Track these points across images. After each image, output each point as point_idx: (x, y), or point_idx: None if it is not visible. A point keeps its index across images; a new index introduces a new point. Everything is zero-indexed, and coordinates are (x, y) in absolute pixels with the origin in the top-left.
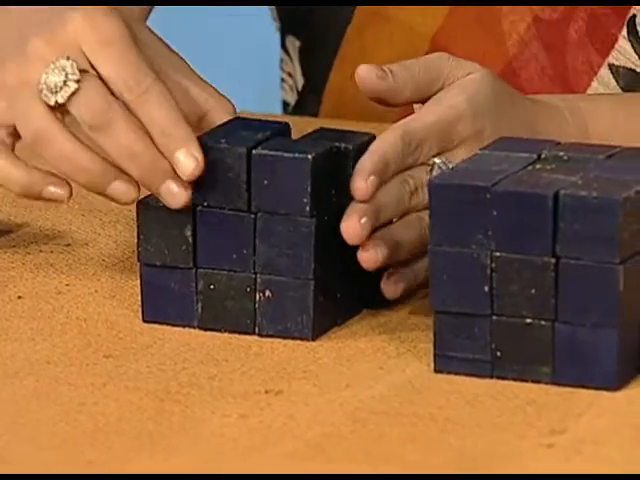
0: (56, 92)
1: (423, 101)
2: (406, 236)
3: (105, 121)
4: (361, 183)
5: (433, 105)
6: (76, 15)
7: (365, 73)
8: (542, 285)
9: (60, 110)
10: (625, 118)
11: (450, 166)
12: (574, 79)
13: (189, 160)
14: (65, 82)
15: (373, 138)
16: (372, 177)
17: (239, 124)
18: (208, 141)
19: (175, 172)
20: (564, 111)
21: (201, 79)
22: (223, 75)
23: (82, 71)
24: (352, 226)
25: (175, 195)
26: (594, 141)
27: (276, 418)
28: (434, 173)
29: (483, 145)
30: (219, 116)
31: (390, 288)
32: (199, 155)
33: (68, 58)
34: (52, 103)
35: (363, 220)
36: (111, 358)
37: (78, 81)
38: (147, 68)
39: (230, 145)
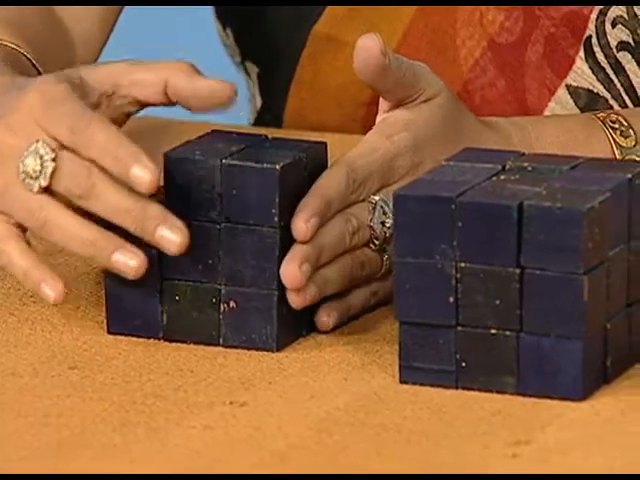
0: (37, 177)
1: (394, 102)
2: (336, 275)
3: (90, 187)
4: (301, 225)
5: (376, 137)
6: (28, 94)
7: (372, 43)
8: (507, 296)
9: (48, 191)
10: (572, 142)
11: (390, 205)
12: (531, 100)
13: (144, 172)
14: (42, 164)
15: (325, 146)
16: (314, 219)
17: (216, 136)
18: (182, 153)
19: (166, 217)
20: (513, 138)
21: (151, 62)
22: None
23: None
24: (293, 273)
25: (168, 240)
26: None
27: (241, 429)
28: (376, 214)
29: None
30: (176, 78)
31: (323, 320)
32: (152, 164)
33: (37, 140)
34: (37, 189)
35: (304, 267)
36: (76, 370)
37: (54, 159)
38: (86, 107)
39: (204, 157)
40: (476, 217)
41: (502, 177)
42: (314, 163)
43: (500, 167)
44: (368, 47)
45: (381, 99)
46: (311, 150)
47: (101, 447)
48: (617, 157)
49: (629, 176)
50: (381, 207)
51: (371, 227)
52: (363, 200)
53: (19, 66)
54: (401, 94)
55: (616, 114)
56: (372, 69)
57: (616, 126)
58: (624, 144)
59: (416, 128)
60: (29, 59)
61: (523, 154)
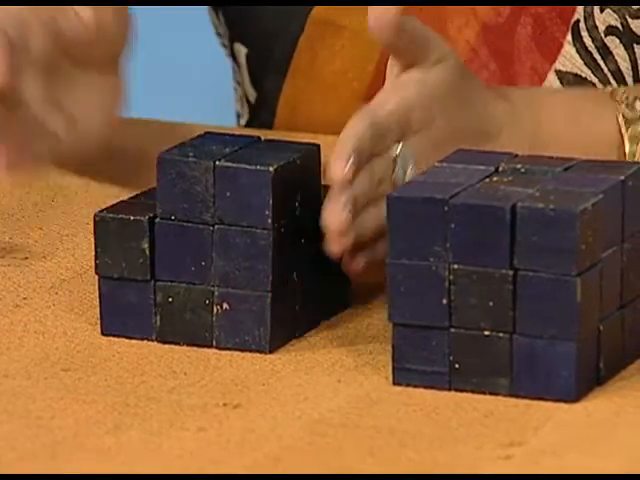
0: None
1: (405, 63)
2: (368, 224)
3: None
4: (339, 169)
5: (389, 93)
6: None
7: (380, 12)
8: (500, 297)
9: None
10: (579, 111)
11: (408, 157)
12: (522, 85)
13: None
14: None
15: (318, 148)
16: (350, 162)
17: (209, 138)
18: (176, 155)
19: None
20: (520, 105)
21: None
22: (180, 88)
23: None
24: (338, 216)
25: None
26: (545, 136)
27: (234, 431)
28: (397, 168)
29: (433, 134)
30: None
31: (352, 263)
32: None
33: None
34: None
35: (346, 211)
36: (69, 371)
37: None
38: None
39: (197, 159)
40: (469, 219)
41: (495, 179)
42: (307, 165)
43: (493, 169)
44: (383, 6)
45: (389, 65)
46: (304, 152)
47: (94, 449)
48: (622, 129)
49: (622, 178)
50: (401, 160)
51: (393, 180)
52: (382, 155)
53: None
54: (413, 55)
55: (624, 89)
56: (387, 26)
57: (623, 98)
58: (629, 116)
59: (427, 86)
60: None
61: (516, 156)
